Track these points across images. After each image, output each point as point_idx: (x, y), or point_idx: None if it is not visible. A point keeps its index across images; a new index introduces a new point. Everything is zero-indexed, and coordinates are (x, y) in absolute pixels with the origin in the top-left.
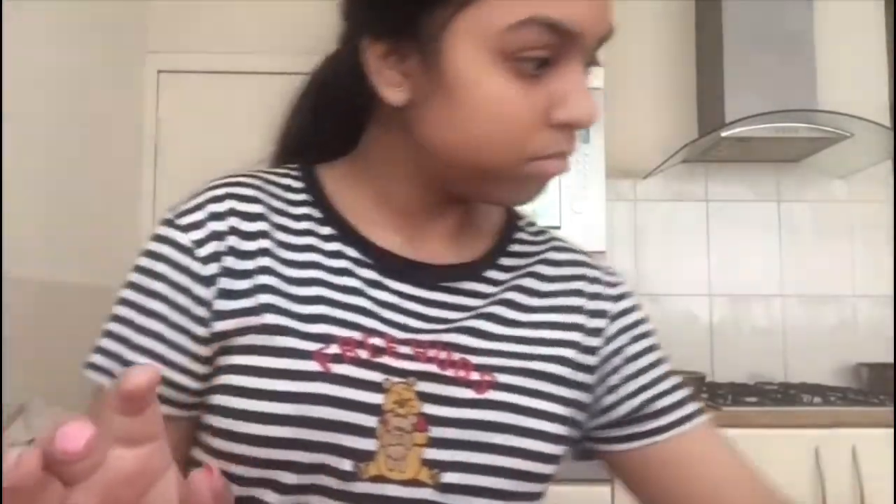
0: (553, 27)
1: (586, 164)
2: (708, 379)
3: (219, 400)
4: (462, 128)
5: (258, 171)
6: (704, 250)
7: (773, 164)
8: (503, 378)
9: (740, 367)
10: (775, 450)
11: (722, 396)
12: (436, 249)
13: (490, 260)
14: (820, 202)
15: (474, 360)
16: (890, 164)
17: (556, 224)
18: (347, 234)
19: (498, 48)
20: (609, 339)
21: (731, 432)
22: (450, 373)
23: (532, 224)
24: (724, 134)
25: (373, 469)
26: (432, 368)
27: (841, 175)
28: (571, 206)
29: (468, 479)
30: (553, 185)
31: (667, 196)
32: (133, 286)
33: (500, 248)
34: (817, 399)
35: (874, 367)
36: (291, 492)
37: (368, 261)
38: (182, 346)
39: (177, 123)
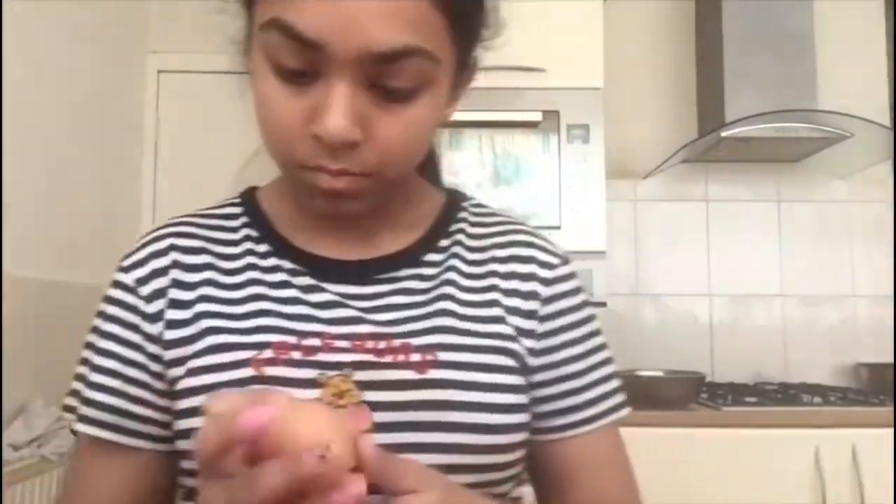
0: (292, 34)
1: (586, 164)
2: (708, 379)
3: (176, 424)
4: (258, 123)
5: (199, 210)
6: (704, 250)
7: (773, 164)
8: (445, 356)
9: (740, 367)
10: (775, 450)
11: (722, 396)
12: (374, 242)
13: (428, 243)
14: (820, 202)
15: (415, 341)
16: (890, 164)
17: (556, 224)
18: (282, 247)
19: (262, 48)
20: (541, 321)
21: (731, 432)
22: (388, 359)
23: (479, 205)
24: (724, 134)
25: None
26: (369, 357)
27: (841, 175)
28: (571, 206)
29: (418, 459)
30: (553, 184)
31: (667, 196)
32: (93, 329)
33: (440, 230)
34: (817, 399)
35: (874, 367)
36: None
37: (303, 269)
38: (138, 380)
39: (177, 123)
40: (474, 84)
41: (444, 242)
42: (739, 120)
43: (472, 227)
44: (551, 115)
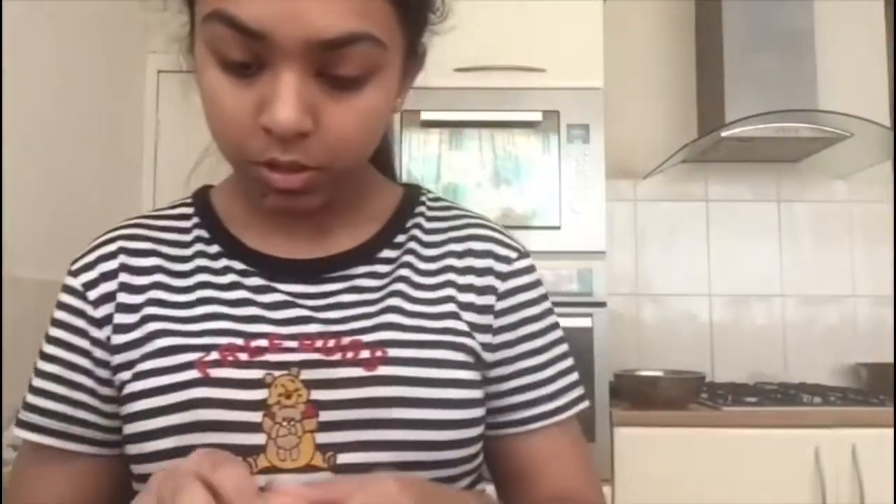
0: (235, 24)
1: (586, 164)
2: (708, 379)
3: (125, 428)
4: (206, 119)
5: (150, 211)
6: (704, 250)
7: (774, 165)
8: (394, 352)
9: (740, 367)
10: (775, 450)
11: (722, 396)
12: (329, 239)
13: (383, 239)
14: (820, 202)
15: (365, 338)
16: (890, 164)
17: (556, 224)
18: (233, 247)
19: (205, 41)
20: (496, 316)
21: (731, 432)
22: (337, 356)
23: (437, 199)
24: (724, 134)
25: (262, 462)
26: (316, 356)
27: (841, 175)
28: (571, 206)
29: (366, 457)
30: (553, 184)
31: (667, 196)
32: (45, 337)
33: (395, 225)
34: (817, 399)
35: (874, 367)
36: None
37: (254, 269)
38: (83, 385)
39: (177, 123)
40: (475, 84)
41: (399, 238)
42: (739, 120)
43: (429, 222)
44: (551, 115)
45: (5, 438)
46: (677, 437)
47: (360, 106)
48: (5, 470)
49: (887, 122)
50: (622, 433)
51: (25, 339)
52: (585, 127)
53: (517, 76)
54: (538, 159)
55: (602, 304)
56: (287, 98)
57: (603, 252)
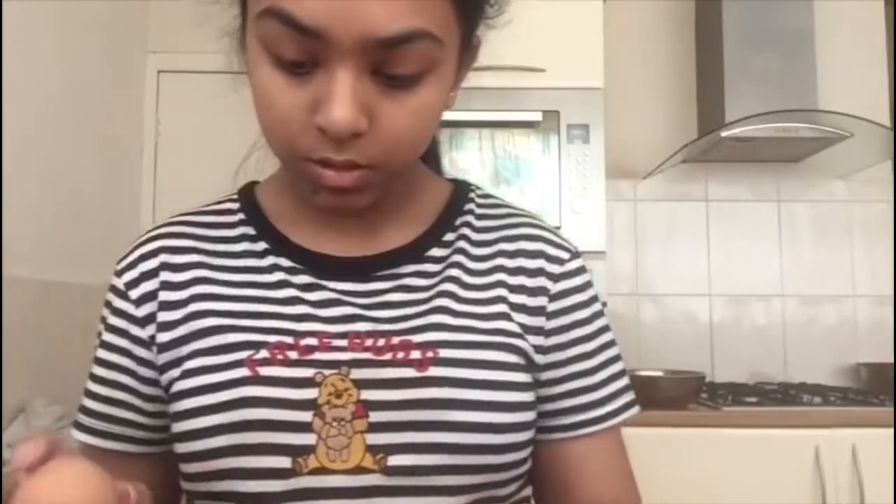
0: (291, 22)
1: (586, 164)
2: (708, 379)
3: (173, 427)
4: (257, 115)
5: (193, 208)
6: (704, 250)
7: (773, 165)
8: (445, 353)
9: (740, 367)
10: (775, 450)
11: (722, 396)
12: (378, 236)
13: (432, 238)
14: (820, 202)
15: (416, 338)
16: (890, 164)
17: (556, 224)
18: (281, 245)
19: (258, 38)
20: (549, 317)
21: (731, 432)
22: (387, 356)
23: (486, 195)
24: (724, 134)
25: (312, 462)
26: (367, 355)
27: (841, 175)
28: (571, 206)
29: (416, 460)
30: (553, 184)
31: (667, 196)
32: (100, 338)
33: (445, 223)
34: (817, 399)
35: (874, 367)
36: (249, 501)
37: (302, 267)
38: (124, 384)
39: (177, 123)
40: (474, 84)
41: (448, 237)
42: (739, 120)
43: (479, 220)
44: (551, 115)
45: (5, 438)
46: (677, 437)
47: (415, 104)
48: (5, 470)
49: (887, 122)
50: (622, 433)
51: (25, 339)
52: (585, 127)
53: (517, 76)
54: (538, 159)
55: (602, 304)
56: (343, 98)
57: (603, 252)
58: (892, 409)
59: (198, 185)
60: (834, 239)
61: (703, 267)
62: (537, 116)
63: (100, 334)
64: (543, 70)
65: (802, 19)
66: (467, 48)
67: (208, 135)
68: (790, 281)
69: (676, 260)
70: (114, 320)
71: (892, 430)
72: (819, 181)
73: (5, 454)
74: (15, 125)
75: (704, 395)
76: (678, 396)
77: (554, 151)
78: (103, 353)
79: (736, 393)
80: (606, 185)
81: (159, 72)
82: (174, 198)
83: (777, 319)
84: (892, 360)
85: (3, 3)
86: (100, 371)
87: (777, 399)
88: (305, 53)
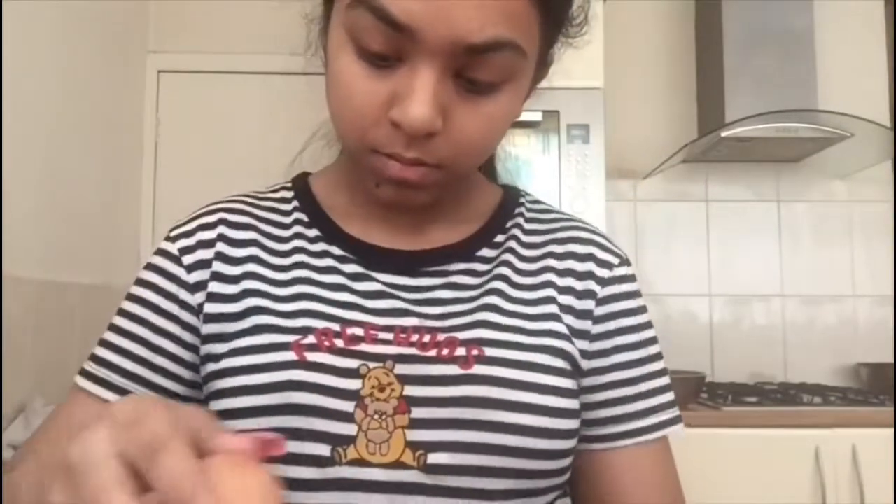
0: (384, 16)
1: (586, 164)
2: (708, 379)
3: (214, 404)
4: (329, 101)
5: (251, 191)
6: (704, 250)
7: (773, 164)
8: (491, 352)
9: (740, 367)
10: (775, 450)
11: (722, 396)
12: (428, 234)
13: (483, 238)
14: (820, 202)
15: (462, 335)
16: (890, 164)
17: None
18: (332, 233)
19: (345, 26)
20: (595, 322)
21: (731, 432)
22: (432, 353)
23: (536, 201)
24: (724, 134)
25: (352, 453)
26: (412, 351)
27: (841, 175)
28: (571, 206)
29: (456, 459)
30: (553, 184)
31: (667, 196)
32: (128, 296)
33: (495, 225)
34: (817, 399)
35: (874, 367)
36: (284, 488)
37: (352, 256)
38: (165, 349)
39: (177, 123)
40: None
41: (499, 238)
42: (739, 120)
43: (529, 223)
44: (551, 115)
45: (5, 438)
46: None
47: (491, 111)
48: (5, 470)
49: (887, 122)
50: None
51: (25, 339)
52: (585, 127)
53: None
54: (538, 159)
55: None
56: (423, 96)
57: None
58: (892, 409)
59: (198, 185)
60: (834, 239)
61: (703, 267)
62: (537, 116)
63: (131, 293)
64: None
65: (802, 19)
66: (542, 64)
67: (208, 135)
68: (790, 281)
69: (676, 260)
70: (162, 282)
71: (892, 430)
72: (819, 181)
73: (5, 454)
74: (15, 125)
75: (704, 395)
76: (678, 396)
77: (554, 151)
78: (146, 313)
79: (736, 393)
80: (606, 185)
81: (159, 72)
82: (174, 198)
83: (777, 319)
84: (892, 360)
85: (3, 3)
86: (136, 329)
87: (777, 399)
88: (391, 48)
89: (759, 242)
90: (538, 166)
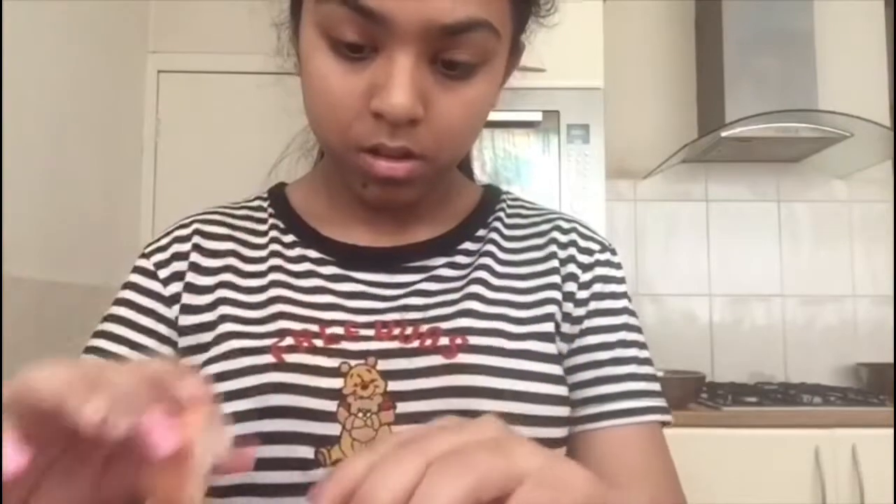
0: (354, 5)
1: (586, 164)
2: (708, 379)
3: None
4: (306, 104)
5: (228, 203)
6: (704, 250)
7: (773, 164)
8: (475, 340)
9: (740, 367)
10: (775, 450)
11: (722, 396)
12: (410, 233)
13: (464, 232)
14: (820, 202)
15: (444, 325)
16: (890, 164)
17: None
18: (309, 237)
19: (317, 22)
20: (577, 304)
21: (731, 432)
22: (415, 344)
23: (517, 198)
24: (724, 134)
25: (336, 454)
26: (394, 344)
27: (841, 175)
28: (571, 206)
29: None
30: (553, 184)
31: (667, 196)
32: (108, 317)
33: (476, 221)
34: (817, 399)
35: (874, 367)
36: (269, 493)
37: (330, 258)
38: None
39: (177, 123)
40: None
41: (480, 232)
42: (739, 120)
43: (510, 218)
44: (551, 115)
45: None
46: (677, 437)
47: (469, 95)
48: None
49: (887, 122)
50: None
51: (25, 339)
52: (585, 127)
53: (517, 76)
54: (538, 159)
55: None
56: (402, 82)
57: None
58: (892, 409)
59: (198, 184)
60: (834, 239)
61: (703, 267)
62: (537, 116)
63: (107, 316)
64: (543, 70)
65: (802, 19)
66: (515, 50)
67: (208, 135)
68: (790, 281)
69: (676, 260)
70: (138, 299)
71: (892, 430)
72: (819, 181)
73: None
74: (15, 125)
75: (704, 395)
76: (678, 396)
77: (554, 151)
78: (122, 331)
79: (736, 393)
80: (606, 185)
81: (159, 72)
82: (174, 198)
83: (777, 319)
84: (892, 360)
85: (4, 3)
86: (114, 347)
87: (777, 399)
88: (365, 37)
89: (759, 242)
90: (538, 166)
